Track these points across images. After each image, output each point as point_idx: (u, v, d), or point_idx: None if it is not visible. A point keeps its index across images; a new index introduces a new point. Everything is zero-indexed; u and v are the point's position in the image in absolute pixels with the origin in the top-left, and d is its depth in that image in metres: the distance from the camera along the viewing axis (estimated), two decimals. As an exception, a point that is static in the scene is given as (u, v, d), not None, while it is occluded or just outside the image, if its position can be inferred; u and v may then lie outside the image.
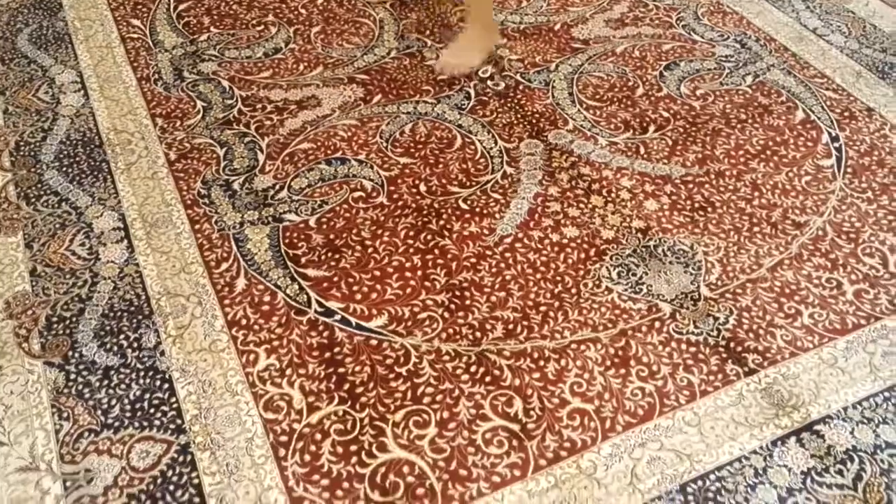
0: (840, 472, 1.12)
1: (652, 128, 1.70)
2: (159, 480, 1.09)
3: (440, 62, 1.79)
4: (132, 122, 1.66)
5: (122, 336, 1.26)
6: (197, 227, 1.45)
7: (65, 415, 1.16)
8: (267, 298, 1.33)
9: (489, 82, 1.80)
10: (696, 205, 1.52)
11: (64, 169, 1.55)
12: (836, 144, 1.67)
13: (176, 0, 2.03)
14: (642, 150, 1.64)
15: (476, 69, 1.80)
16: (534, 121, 1.70)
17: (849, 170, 1.61)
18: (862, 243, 1.46)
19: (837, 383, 1.23)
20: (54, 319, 1.28)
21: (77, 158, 1.58)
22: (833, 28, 1.99)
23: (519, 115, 1.71)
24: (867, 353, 1.28)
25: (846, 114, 1.74)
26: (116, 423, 1.15)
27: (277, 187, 1.53)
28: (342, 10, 2.03)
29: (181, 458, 1.11)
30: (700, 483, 1.11)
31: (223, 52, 1.87)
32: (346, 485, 1.09)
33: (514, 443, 1.15)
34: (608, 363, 1.25)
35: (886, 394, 1.22)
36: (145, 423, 1.15)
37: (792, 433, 1.17)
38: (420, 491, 1.09)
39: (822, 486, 1.11)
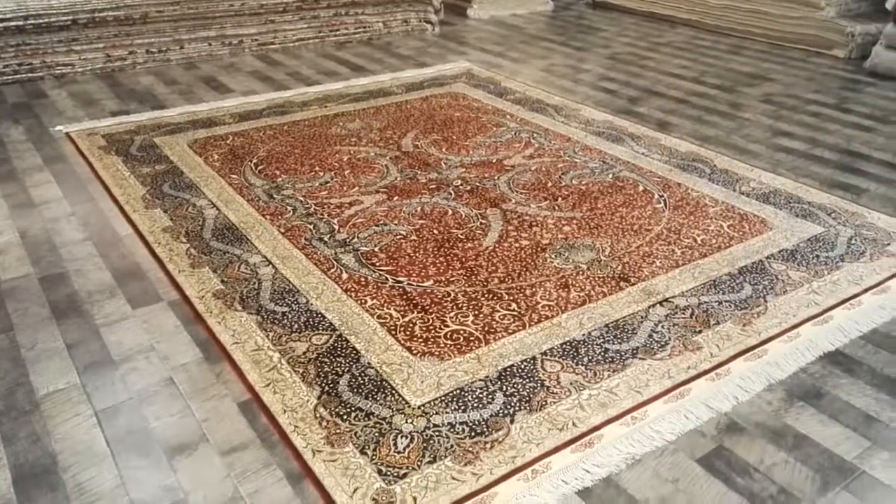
0: (683, 313, 2.18)
1: (560, 198, 2.91)
2: (328, 347, 2.00)
3: None
4: (251, 217, 2.72)
5: (287, 299, 2.22)
6: (307, 256, 2.46)
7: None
8: (362, 280, 2.33)
9: (460, 185, 3.00)
10: (592, 226, 2.69)
11: (220, 240, 2.56)
12: (663, 199, 2.93)
13: (254, 163, 3.20)
14: (556, 208, 2.83)
15: None
16: (492, 200, 2.88)
17: (670, 207, 2.85)
18: (682, 232, 2.64)
19: (678, 283, 2.33)
20: (247, 296, 2.23)
21: (226, 235, 2.60)
22: (650, 153, 3.38)
23: (483, 199, 2.90)
24: (691, 273, 2.39)
25: (666, 186, 3.03)
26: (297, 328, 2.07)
27: (350, 238, 2.59)
28: (359, 162, 3.25)
29: (340, 341, 2.03)
30: (615, 322, 2.13)
31: (294, 185, 3.01)
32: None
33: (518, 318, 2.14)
34: (559, 289, 2.30)
35: (703, 286, 2.32)
36: (313, 328, 2.08)
37: (657, 303, 2.23)
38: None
39: (674, 317, 2.15)
